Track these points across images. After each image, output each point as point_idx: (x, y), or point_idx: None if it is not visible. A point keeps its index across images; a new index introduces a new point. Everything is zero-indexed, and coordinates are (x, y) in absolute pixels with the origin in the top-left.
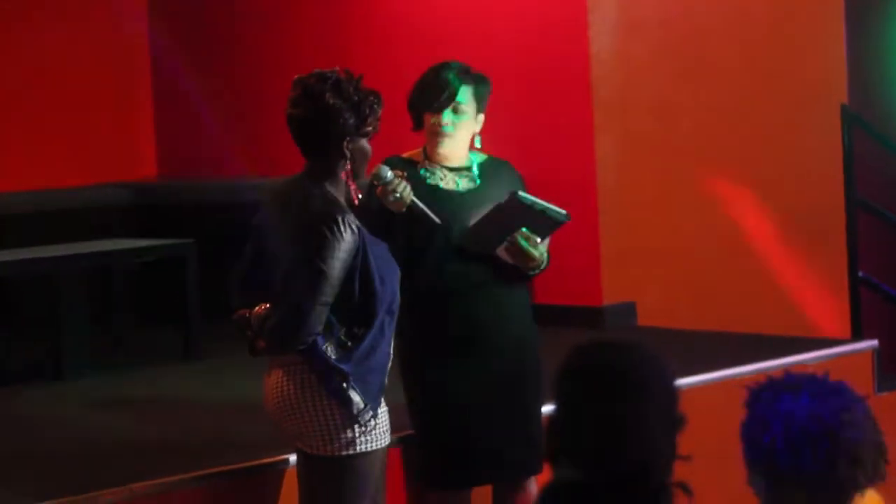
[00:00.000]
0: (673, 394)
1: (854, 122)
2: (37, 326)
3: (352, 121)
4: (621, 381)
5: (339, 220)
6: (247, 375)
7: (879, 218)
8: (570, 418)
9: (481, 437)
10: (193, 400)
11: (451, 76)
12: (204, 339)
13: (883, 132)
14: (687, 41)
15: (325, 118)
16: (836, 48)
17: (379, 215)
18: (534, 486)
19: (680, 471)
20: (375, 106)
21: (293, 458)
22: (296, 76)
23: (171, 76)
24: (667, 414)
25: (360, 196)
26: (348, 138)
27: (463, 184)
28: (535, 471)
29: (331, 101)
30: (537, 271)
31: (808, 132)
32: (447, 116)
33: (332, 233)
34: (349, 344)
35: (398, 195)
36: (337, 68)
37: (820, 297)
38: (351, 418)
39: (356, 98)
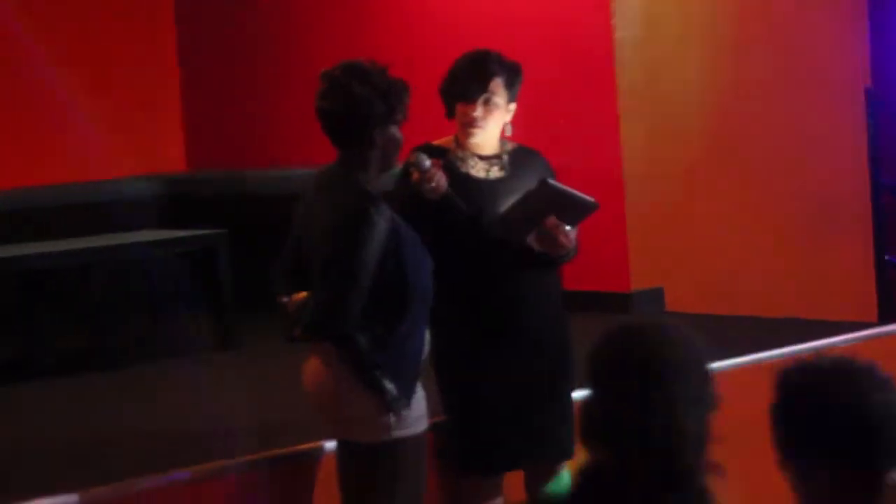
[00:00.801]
0: (704, 374)
1: (878, 105)
2: (72, 318)
3: (381, 109)
4: (649, 363)
5: (374, 208)
6: (281, 364)
7: None
8: (601, 401)
9: (513, 423)
10: (228, 389)
11: (484, 65)
12: (238, 328)
13: None
14: (710, 28)
15: (355, 108)
16: (859, 31)
17: (410, 203)
18: (566, 470)
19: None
20: (403, 94)
21: (330, 444)
22: (322, 70)
23: (198, 69)
24: (698, 394)
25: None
26: (378, 127)
27: (493, 172)
28: (567, 455)
29: (359, 91)
30: (566, 259)
31: (833, 116)
32: (479, 106)
33: (367, 221)
34: (383, 332)
35: (434, 184)
36: (362, 59)
37: (847, 280)
38: (385, 406)
39: (384, 87)
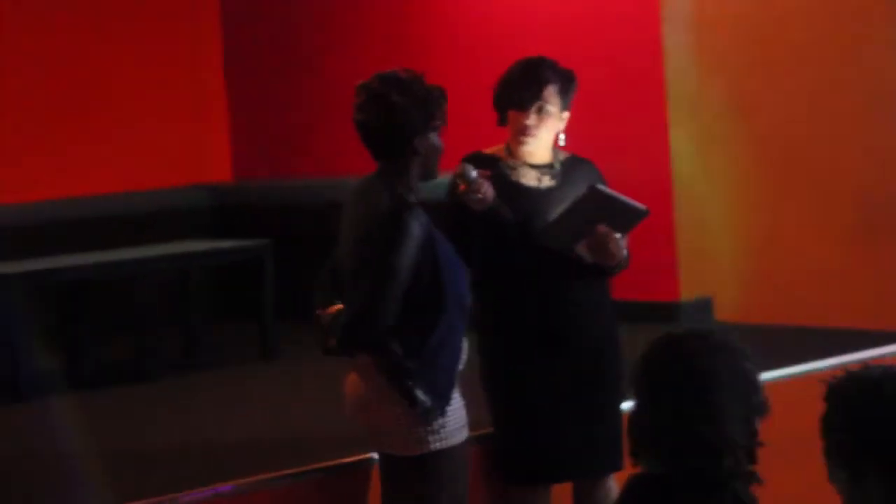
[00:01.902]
0: (750, 383)
1: None
2: (118, 328)
3: (419, 118)
4: (693, 373)
5: (408, 215)
6: (322, 375)
7: None
8: (647, 412)
9: (562, 434)
10: (271, 399)
11: (538, 73)
12: (280, 338)
13: None
14: (760, 34)
15: (393, 119)
16: None
17: (458, 213)
18: (614, 483)
19: (760, 465)
20: (441, 100)
21: (369, 457)
22: (359, 82)
23: (244, 80)
24: (744, 403)
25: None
26: (418, 136)
27: (545, 181)
28: (616, 468)
29: (396, 101)
30: (618, 269)
31: (882, 122)
32: (533, 114)
33: (400, 228)
34: (416, 341)
35: (480, 195)
36: (397, 69)
37: None
38: (418, 417)
39: (421, 95)
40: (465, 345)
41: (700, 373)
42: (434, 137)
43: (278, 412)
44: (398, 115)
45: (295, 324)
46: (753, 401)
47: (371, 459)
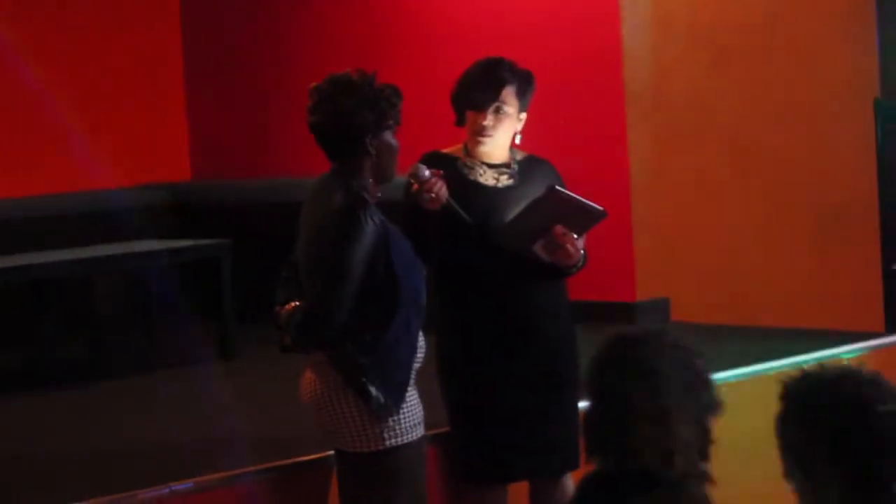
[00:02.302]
0: (702, 380)
1: (887, 115)
2: (74, 327)
3: (369, 118)
4: (643, 373)
5: (360, 213)
6: (281, 374)
7: None
8: (600, 412)
9: (518, 434)
10: (229, 399)
11: (495, 74)
12: (239, 338)
13: None
14: (719, 35)
15: (343, 120)
16: (868, 41)
17: (414, 213)
18: (571, 482)
19: (716, 465)
20: (394, 99)
21: (328, 455)
22: (312, 84)
23: (203, 79)
24: (695, 402)
25: (378, 194)
26: (369, 136)
27: (502, 181)
28: (572, 467)
29: (345, 103)
30: (575, 270)
31: (842, 126)
32: (490, 116)
33: (353, 225)
34: (370, 338)
35: (433, 194)
36: (349, 70)
37: (854, 290)
38: (374, 414)
39: (371, 95)
40: (421, 342)
41: (650, 372)
42: (388, 137)
43: (235, 412)
44: (347, 116)
45: (254, 323)
46: (705, 400)
47: (329, 458)
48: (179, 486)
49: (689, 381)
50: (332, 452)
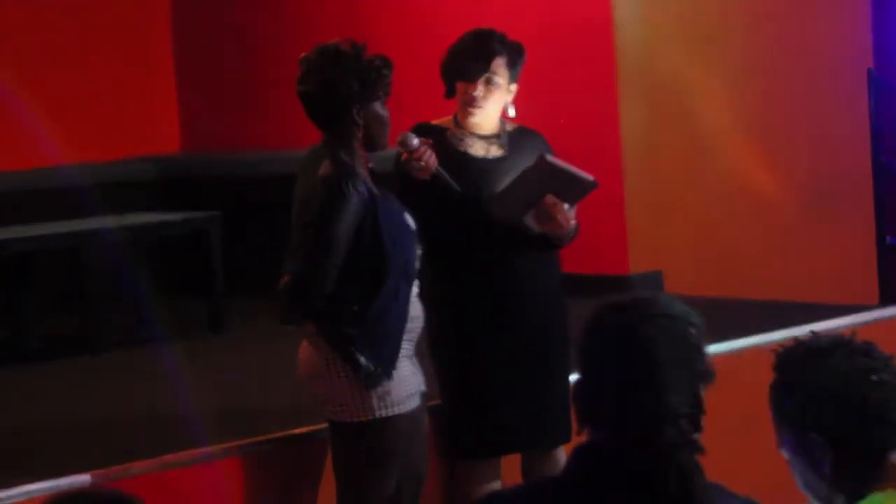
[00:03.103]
0: (694, 348)
1: (880, 87)
2: (63, 301)
3: (357, 89)
4: (634, 340)
5: (345, 183)
6: (271, 348)
7: None
8: (590, 380)
9: (510, 407)
10: (219, 372)
11: (486, 44)
12: (229, 312)
13: None
14: (711, 7)
15: (330, 90)
16: (861, 12)
17: (403, 183)
18: (563, 454)
19: (711, 436)
20: (384, 70)
21: (320, 428)
22: (301, 55)
23: (193, 49)
24: (687, 370)
25: (370, 164)
26: (357, 106)
27: (493, 151)
28: (564, 440)
29: (333, 73)
30: (566, 241)
31: (835, 97)
32: (480, 85)
33: (338, 196)
34: (358, 307)
35: (422, 163)
36: (339, 40)
37: (848, 262)
38: (364, 383)
39: (360, 65)
40: (419, 311)
41: (641, 339)
42: (378, 107)
43: (225, 385)
44: (334, 86)
45: (244, 297)
46: (697, 367)
47: (323, 431)
48: (170, 458)
49: (679, 349)
50: (325, 425)
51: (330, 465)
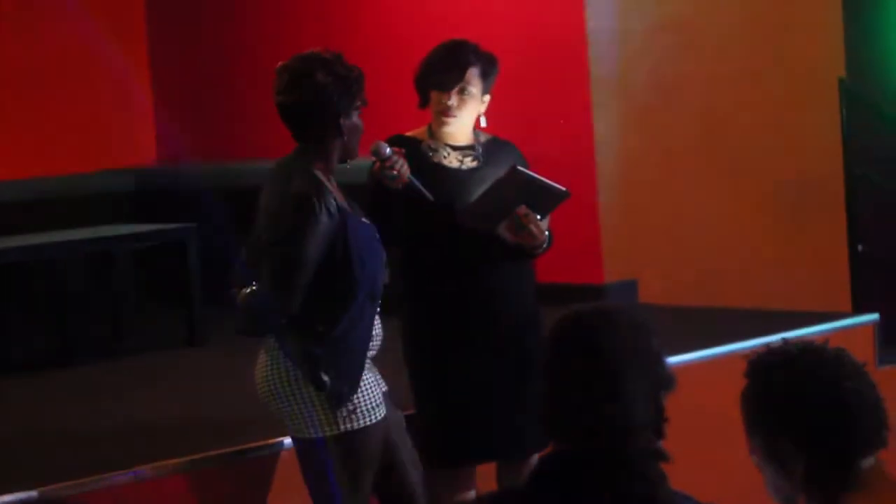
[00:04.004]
0: (655, 356)
1: (852, 95)
2: (40, 312)
3: (343, 98)
4: (595, 351)
5: (316, 201)
6: (249, 359)
7: (878, 191)
8: (555, 392)
9: (484, 416)
10: (196, 384)
11: (460, 55)
12: (206, 323)
13: (880, 106)
14: (684, 16)
15: (319, 99)
16: (833, 22)
17: (377, 193)
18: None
19: (682, 444)
20: (362, 80)
21: (289, 440)
22: (278, 64)
23: (168, 61)
24: (649, 379)
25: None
26: (342, 116)
27: (466, 162)
28: (539, 448)
29: (322, 81)
30: (540, 252)
31: (807, 106)
32: (454, 97)
33: (308, 215)
34: (323, 326)
35: (395, 172)
36: (316, 49)
37: (821, 271)
38: (328, 403)
39: (343, 74)
40: (378, 329)
41: (602, 350)
42: (355, 117)
43: (202, 397)
44: (324, 95)
45: (222, 308)
46: (659, 376)
47: (282, 443)
48: (141, 471)
49: (643, 359)
50: (287, 438)
51: (295, 478)
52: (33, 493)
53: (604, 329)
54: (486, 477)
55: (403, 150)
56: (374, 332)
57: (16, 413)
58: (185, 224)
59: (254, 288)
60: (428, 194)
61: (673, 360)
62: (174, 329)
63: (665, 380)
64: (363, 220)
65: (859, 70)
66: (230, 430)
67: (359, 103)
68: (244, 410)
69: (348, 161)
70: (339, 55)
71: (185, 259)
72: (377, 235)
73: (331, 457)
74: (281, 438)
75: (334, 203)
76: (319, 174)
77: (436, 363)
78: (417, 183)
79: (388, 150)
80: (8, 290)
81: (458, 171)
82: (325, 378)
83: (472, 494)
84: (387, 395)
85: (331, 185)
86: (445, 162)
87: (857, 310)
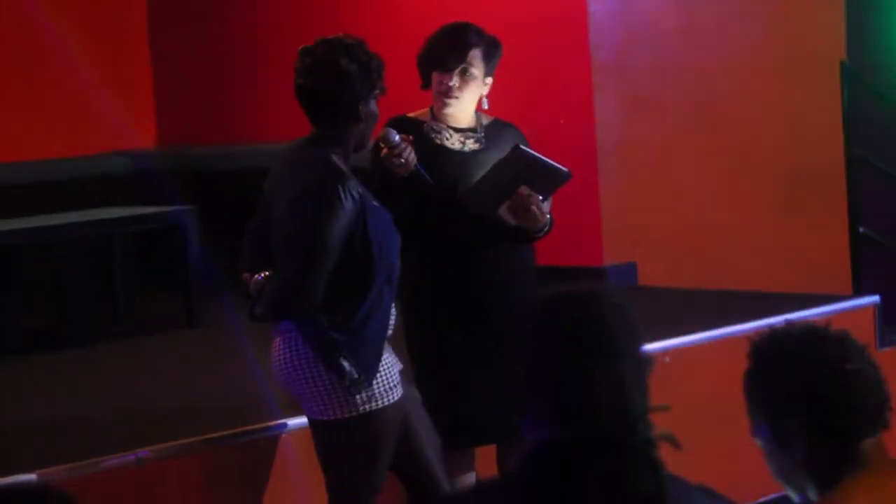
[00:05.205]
0: (640, 338)
1: (853, 79)
2: (39, 295)
3: (365, 85)
4: (598, 335)
5: (340, 187)
6: (247, 342)
7: (879, 174)
8: (548, 378)
9: (484, 398)
10: (195, 367)
11: (462, 36)
12: (205, 306)
13: (881, 89)
14: (685, 1)
15: (342, 85)
16: (835, 5)
17: (381, 177)
18: None
19: (687, 424)
20: (382, 68)
21: (293, 421)
22: (301, 46)
23: (169, 43)
24: (639, 361)
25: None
26: (362, 102)
27: (468, 145)
28: None
29: (346, 67)
30: (541, 234)
31: (808, 89)
32: (456, 77)
33: (332, 201)
34: (343, 313)
35: (403, 160)
36: (341, 34)
37: (821, 253)
38: (347, 389)
39: (366, 61)
40: (393, 311)
41: (605, 330)
42: (373, 105)
43: (201, 379)
44: (346, 81)
45: (220, 291)
46: (646, 357)
47: (285, 425)
48: (141, 453)
49: (633, 340)
50: (294, 419)
51: (297, 460)
52: (32, 477)
53: (595, 311)
54: (485, 458)
55: (411, 137)
56: (391, 319)
57: (13, 396)
58: (184, 206)
59: (268, 274)
60: (430, 180)
61: (673, 342)
62: (172, 312)
63: (649, 361)
64: (378, 205)
65: (861, 53)
66: (229, 412)
67: (377, 91)
68: (243, 392)
69: (361, 148)
70: (362, 41)
71: (184, 241)
72: (391, 221)
73: (349, 438)
74: (283, 420)
75: (356, 188)
76: (337, 160)
77: (436, 345)
78: (422, 170)
79: (397, 137)
80: (6, 273)
81: (459, 153)
82: (346, 364)
83: (471, 476)
84: (402, 375)
85: (348, 171)
86: (448, 144)
87: (858, 292)
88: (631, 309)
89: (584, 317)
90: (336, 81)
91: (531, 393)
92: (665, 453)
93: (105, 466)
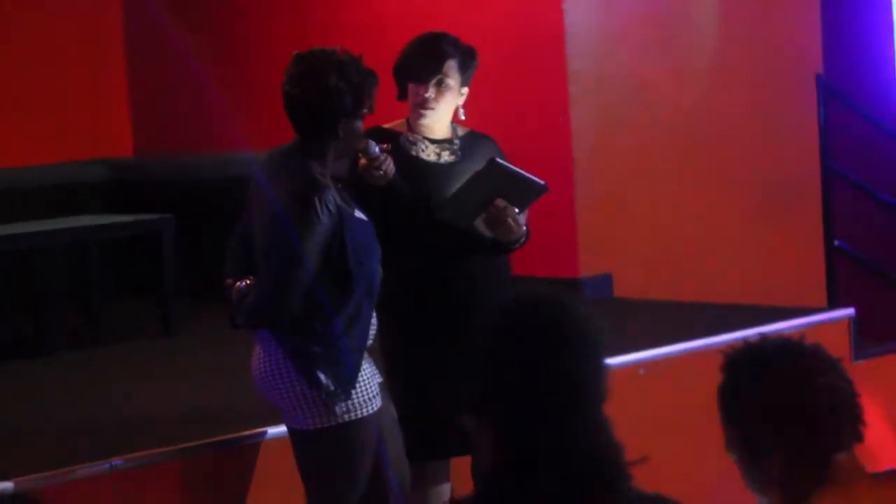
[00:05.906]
0: (599, 350)
1: (829, 92)
2: (14, 303)
3: (349, 103)
4: (541, 339)
5: (317, 201)
6: (223, 350)
7: (854, 187)
8: (515, 394)
9: (457, 409)
10: (171, 375)
11: (438, 47)
12: (182, 314)
13: (857, 102)
14: (662, 13)
15: (325, 100)
16: (811, 18)
17: (358, 188)
18: None
19: (661, 437)
20: (373, 88)
21: (271, 430)
22: (294, 52)
23: (145, 51)
24: (595, 371)
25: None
26: (343, 119)
27: (444, 156)
28: None
29: (334, 84)
30: (517, 245)
31: (784, 103)
32: (431, 88)
33: (309, 215)
34: (321, 324)
35: (382, 171)
36: (337, 48)
37: (797, 266)
38: (324, 401)
39: (356, 79)
40: (373, 321)
41: (559, 345)
42: (357, 123)
43: (177, 388)
44: (331, 97)
45: (197, 300)
46: (603, 368)
47: (264, 433)
48: (116, 462)
49: (599, 358)
50: (273, 428)
51: (274, 469)
52: (9, 485)
53: (556, 315)
54: (460, 470)
55: (390, 147)
56: (371, 331)
57: None
58: (162, 214)
59: (249, 282)
60: (407, 190)
61: (647, 354)
62: (149, 319)
63: (606, 373)
64: (360, 216)
65: (837, 67)
66: (205, 420)
67: (364, 110)
68: (220, 400)
69: (340, 159)
70: (357, 58)
71: (160, 250)
72: (374, 233)
73: (328, 448)
74: (263, 429)
75: (334, 202)
76: (316, 172)
77: (410, 356)
78: (400, 180)
79: (377, 149)
80: None
81: (436, 165)
82: (322, 377)
83: (446, 487)
84: (382, 387)
85: (327, 182)
86: (423, 156)
87: (833, 304)
88: (595, 319)
89: (543, 319)
90: (318, 97)
91: (485, 400)
92: (636, 468)
93: (81, 475)
